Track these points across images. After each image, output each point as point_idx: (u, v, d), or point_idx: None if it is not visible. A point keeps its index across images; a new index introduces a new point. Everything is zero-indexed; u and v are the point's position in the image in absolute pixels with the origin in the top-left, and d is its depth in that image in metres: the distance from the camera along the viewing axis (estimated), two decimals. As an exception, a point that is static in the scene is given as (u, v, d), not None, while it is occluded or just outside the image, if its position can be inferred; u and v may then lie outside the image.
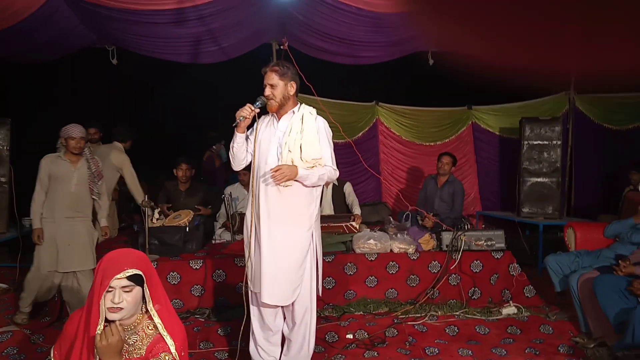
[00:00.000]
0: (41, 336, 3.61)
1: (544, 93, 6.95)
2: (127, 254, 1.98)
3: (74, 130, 3.80)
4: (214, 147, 7.92)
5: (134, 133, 5.55)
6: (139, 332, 1.99)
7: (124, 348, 1.94)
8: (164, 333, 1.96)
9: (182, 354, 1.98)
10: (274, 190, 2.74)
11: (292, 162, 2.71)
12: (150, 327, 1.99)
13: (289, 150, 2.72)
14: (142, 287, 1.95)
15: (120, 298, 1.88)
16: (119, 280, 1.88)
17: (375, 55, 6.07)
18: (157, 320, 1.97)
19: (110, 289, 1.88)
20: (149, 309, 1.98)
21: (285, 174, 2.65)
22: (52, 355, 2.05)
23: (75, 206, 3.86)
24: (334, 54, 6.01)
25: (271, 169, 2.68)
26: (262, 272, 2.74)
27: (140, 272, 1.92)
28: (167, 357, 1.93)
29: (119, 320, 1.91)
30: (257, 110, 2.75)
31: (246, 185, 5.33)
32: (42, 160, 3.84)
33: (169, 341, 1.95)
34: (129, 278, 1.89)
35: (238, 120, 2.72)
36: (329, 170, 2.81)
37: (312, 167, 2.74)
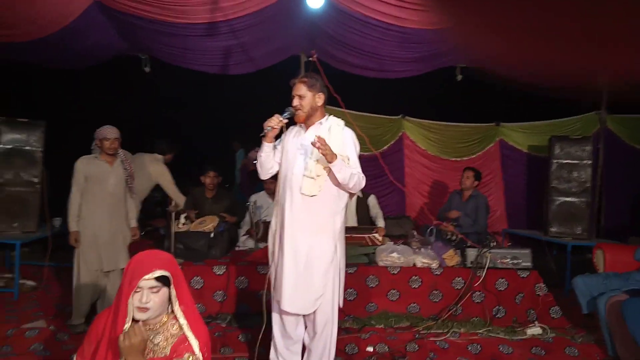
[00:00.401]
0: (66, 334, 3.68)
1: (574, 112, 6.84)
2: (156, 255, 2.03)
3: (109, 132, 3.91)
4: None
5: (176, 148, 5.64)
6: (163, 332, 2.02)
7: (149, 347, 1.97)
8: (189, 333, 1.99)
9: (205, 354, 2.00)
10: (300, 199, 2.76)
11: (319, 173, 2.72)
12: (174, 327, 2.03)
13: (316, 160, 2.73)
14: (169, 288, 1.98)
15: (148, 298, 1.92)
16: (147, 281, 1.92)
17: (403, 70, 6.09)
18: (182, 320, 2.01)
19: (138, 289, 1.92)
20: (175, 310, 2.01)
21: (328, 148, 2.61)
22: None
23: (114, 206, 3.97)
24: (362, 68, 6.06)
25: (317, 136, 2.62)
26: (283, 280, 2.76)
27: (168, 274, 1.96)
28: (190, 358, 1.96)
29: (145, 320, 1.95)
30: (285, 121, 2.80)
31: (272, 194, 5.36)
32: (78, 162, 3.92)
33: (193, 341, 1.98)
34: (157, 279, 1.93)
35: (266, 130, 2.76)
36: (359, 174, 2.80)
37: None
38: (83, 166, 3.89)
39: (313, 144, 2.61)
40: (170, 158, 5.59)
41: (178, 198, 5.32)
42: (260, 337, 2.86)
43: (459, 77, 6.21)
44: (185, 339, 1.99)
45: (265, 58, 5.99)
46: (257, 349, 2.94)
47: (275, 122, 2.75)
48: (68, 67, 5.99)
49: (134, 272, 1.92)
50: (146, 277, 1.91)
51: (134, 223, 4.20)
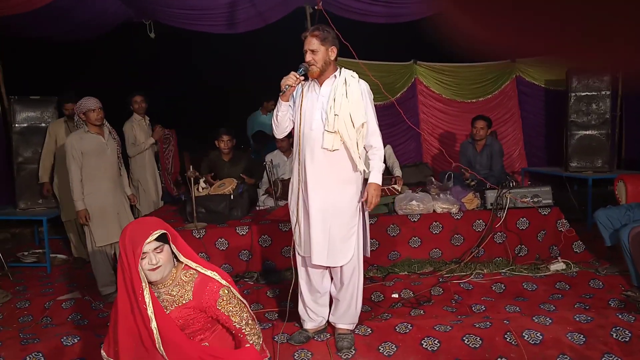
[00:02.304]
0: (101, 303, 3.83)
1: (592, 41, 6.60)
2: (146, 221, 2.13)
3: (92, 102, 3.84)
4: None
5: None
6: (178, 282, 2.13)
7: (171, 299, 2.09)
8: (205, 272, 2.11)
9: (228, 276, 2.15)
10: (321, 154, 2.76)
11: (339, 127, 2.71)
12: (187, 275, 2.13)
13: (335, 114, 2.70)
14: (169, 245, 2.08)
15: (156, 259, 2.03)
16: (150, 244, 2.01)
17: (411, 12, 5.88)
18: (193, 265, 2.12)
19: (143, 255, 2.01)
20: (182, 260, 2.12)
21: (375, 198, 2.81)
22: (102, 353, 2.21)
23: (115, 176, 4.02)
24: (369, 15, 5.87)
25: (366, 202, 2.82)
26: (311, 235, 2.80)
27: (165, 231, 2.06)
28: (225, 291, 2.09)
29: (160, 279, 2.06)
30: (302, 78, 2.76)
31: (286, 151, 5.38)
32: (71, 139, 3.83)
33: (213, 275, 2.11)
34: (157, 239, 2.03)
35: (284, 89, 2.72)
36: (381, 150, 2.90)
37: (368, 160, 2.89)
38: (76, 142, 3.81)
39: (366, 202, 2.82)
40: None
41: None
42: (290, 291, 2.93)
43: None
44: (203, 280, 2.11)
45: (271, 11, 5.85)
46: (288, 304, 3.02)
47: (292, 80, 2.70)
48: (73, 38, 5.94)
49: (134, 241, 1.99)
50: (148, 240, 2.00)
51: (129, 190, 4.30)
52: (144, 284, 2.00)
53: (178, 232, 2.17)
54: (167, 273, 2.08)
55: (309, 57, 2.75)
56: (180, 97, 8.76)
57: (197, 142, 7.10)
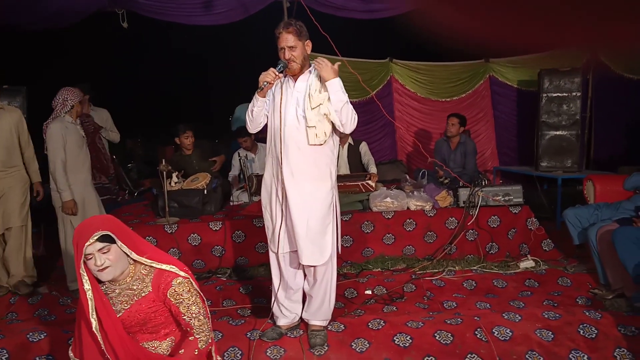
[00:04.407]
0: (69, 298, 3.74)
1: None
2: (93, 220, 2.08)
3: (79, 93, 3.81)
4: None
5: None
6: (138, 276, 2.10)
7: (132, 293, 2.07)
8: (159, 266, 2.08)
9: (187, 270, 2.11)
10: (296, 150, 2.74)
11: (318, 121, 2.70)
12: (146, 268, 2.11)
13: (317, 107, 2.69)
14: (117, 244, 2.03)
15: (102, 260, 1.98)
16: (93, 245, 1.97)
17: (389, 8, 5.88)
18: (147, 262, 2.08)
19: (89, 256, 1.97)
20: (135, 259, 2.07)
21: (328, 63, 2.66)
22: (70, 354, 2.16)
23: (90, 167, 3.95)
24: (346, 10, 5.85)
25: (317, 59, 2.68)
26: (296, 233, 2.77)
27: (108, 232, 2.00)
28: (178, 281, 2.05)
29: (112, 279, 2.04)
30: (281, 75, 2.73)
31: (250, 149, 5.37)
32: (54, 128, 3.67)
33: (167, 267, 2.07)
34: (101, 240, 1.98)
35: (262, 86, 2.68)
36: (351, 106, 2.75)
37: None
38: (62, 131, 3.68)
39: (316, 63, 2.65)
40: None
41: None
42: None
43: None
44: (161, 272, 2.07)
45: (251, 3, 5.76)
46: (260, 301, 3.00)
47: (271, 76, 2.67)
48: (45, 26, 5.76)
49: (78, 242, 1.96)
50: (88, 242, 1.95)
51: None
52: (86, 286, 1.97)
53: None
54: (121, 271, 2.05)
55: (287, 54, 2.71)
56: (150, 90, 8.64)
57: (165, 134, 7.01)
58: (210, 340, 2.14)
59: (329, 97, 2.69)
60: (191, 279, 2.10)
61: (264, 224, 2.98)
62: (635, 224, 3.40)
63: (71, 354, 2.14)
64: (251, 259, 4.14)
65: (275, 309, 3.02)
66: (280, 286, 2.98)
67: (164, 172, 4.30)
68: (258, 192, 4.68)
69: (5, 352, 2.79)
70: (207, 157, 5.22)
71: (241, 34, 6.87)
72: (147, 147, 6.79)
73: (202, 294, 2.15)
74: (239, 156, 5.29)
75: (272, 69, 2.68)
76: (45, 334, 2.95)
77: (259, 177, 4.65)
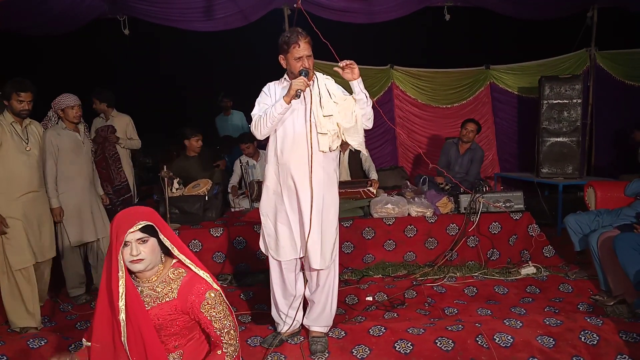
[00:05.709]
0: (70, 305, 3.74)
1: (564, 50, 6.76)
2: (137, 209, 2.04)
3: (72, 99, 3.78)
4: None
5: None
6: (164, 279, 2.06)
7: (154, 295, 2.02)
8: (197, 271, 2.04)
9: (219, 285, 2.08)
10: (308, 156, 2.74)
11: (330, 128, 2.74)
12: (175, 273, 2.07)
13: (329, 114, 2.73)
14: (157, 238, 2.01)
15: (138, 250, 1.95)
16: (133, 234, 1.94)
17: (389, 9, 5.91)
18: (187, 262, 2.05)
19: (127, 243, 1.95)
20: (176, 254, 2.05)
21: (357, 69, 2.74)
22: (83, 341, 2.16)
23: (90, 174, 3.95)
24: (348, 13, 5.87)
25: (346, 62, 2.74)
26: (310, 239, 2.76)
27: (152, 223, 1.98)
28: (212, 294, 2.01)
29: (142, 271, 2.00)
30: (310, 83, 2.76)
31: (252, 155, 5.37)
32: (48, 134, 3.68)
33: (203, 274, 2.04)
34: (143, 230, 1.96)
35: (298, 94, 2.66)
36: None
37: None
38: (54, 138, 3.70)
39: (343, 66, 2.72)
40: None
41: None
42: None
43: (447, 17, 6.06)
44: (192, 280, 2.03)
45: (252, 9, 5.79)
46: (261, 308, 2.98)
47: (305, 85, 2.67)
48: (45, 32, 5.79)
49: (119, 228, 1.94)
50: (131, 229, 1.93)
51: (100, 190, 4.23)
52: (120, 273, 1.93)
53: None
54: (151, 267, 2.02)
55: (307, 62, 2.73)
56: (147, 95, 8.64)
57: (164, 140, 7.01)
58: (236, 354, 2.12)
59: (340, 109, 2.75)
60: (221, 293, 2.07)
61: (265, 231, 2.96)
62: (636, 230, 3.40)
63: (84, 340, 2.15)
64: (252, 265, 4.14)
65: (275, 315, 3.02)
66: (281, 293, 2.97)
67: (165, 179, 4.31)
68: (259, 198, 4.69)
69: (5, 358, 2.78)
70: (209, 162, 5.23)
71: (247, 43, 6.90)
72: (147, 153, 6.77)
73: (230, 306, 2.12)
74: (240, 162, 5.30)
75: (303, 78, 2.68)
76: (45, 341, 2.94)
77: (260, 184, 4.65)
